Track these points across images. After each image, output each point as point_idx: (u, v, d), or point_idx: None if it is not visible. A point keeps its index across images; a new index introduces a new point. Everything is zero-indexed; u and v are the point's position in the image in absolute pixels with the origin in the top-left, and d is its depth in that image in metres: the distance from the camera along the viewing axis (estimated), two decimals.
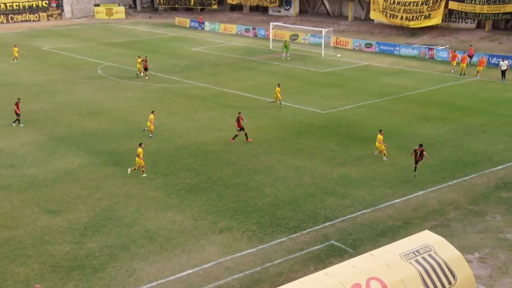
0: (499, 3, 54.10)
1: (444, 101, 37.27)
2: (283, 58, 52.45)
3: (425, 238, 14.96)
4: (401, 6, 60.22)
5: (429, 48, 52.34)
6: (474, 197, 22.94)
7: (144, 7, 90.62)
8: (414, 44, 55.94)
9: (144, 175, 25.35)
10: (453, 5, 57.21)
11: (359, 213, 21.72)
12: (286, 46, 52.99)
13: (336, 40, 58.68)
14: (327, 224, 20.86)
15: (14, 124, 32.75)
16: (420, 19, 59.32)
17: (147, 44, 62.08)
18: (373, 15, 64.16)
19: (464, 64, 44.97)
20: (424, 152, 24.71)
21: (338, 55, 54.01)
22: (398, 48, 54.13)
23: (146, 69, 44.83)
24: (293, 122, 33.29)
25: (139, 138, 30.30)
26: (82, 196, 23.52)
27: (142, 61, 44.95)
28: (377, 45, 55.73)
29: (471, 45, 51.01)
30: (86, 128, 32.52)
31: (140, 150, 25.07)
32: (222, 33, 69.62)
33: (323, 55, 53.77)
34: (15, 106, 32.57)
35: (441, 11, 58.01)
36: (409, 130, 31.37)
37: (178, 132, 31.58)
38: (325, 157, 27.56)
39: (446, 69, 47.09)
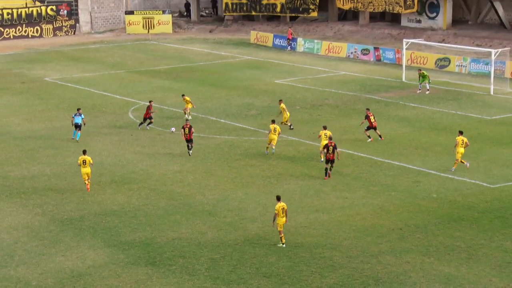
0: None
1: None
2: (419, 92, 53.54)
3: None
4: None
5: None
6: None
7: (202, 16, 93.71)
8: None
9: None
10: None
11: None
12: (424, 77, 53.75)
13: None
14: None
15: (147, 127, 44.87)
16: None
17: (206, 72, 63.89)
18: None
19: None
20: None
21: None
22: None
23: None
24: (440, 201, 32.89)
25: (189, 220, 30.73)
26: None
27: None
28: None
29: None
30: (108, 204, 33.43)
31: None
32: (325, 55, 70.66)
33: (492, 92, 53.33)
34: (148, 109, 44.85)
35: None
36: None
37: (250, 213, 31.85)
38: (496, 261, 26.90)
39: None
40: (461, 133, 37.42)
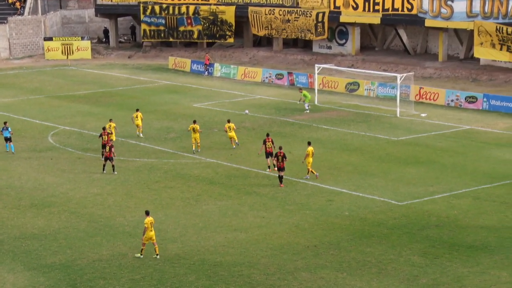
0: None
1: None
2: (299, 103, 56.72)
3: None
4: None
5: None
6: None
7: (121, 42, 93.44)
8: None
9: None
10: None
11: None
12: (306, 96, 56.15)
13: (420, 92, 59.51)
14: None
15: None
16: None
17: (125, 97, 63.59)
18: (479, 52, 65.05)
19: None
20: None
21: (423, 115, 54.65)
22: None
23: None
24: (351, 219, 33.41)
25: (109, 241, 30.59)
26: None
27: None
28: (485, 99, 56.25)
29: None
30: (28, 228, 32.97)
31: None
32: (241, 80, 71.10)
33: (398, 114, 54.40)
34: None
35: None
36: None
37: (170, 234, 31.83)
38: (403, 275, 27.41)
39: None
40: (309, 144, 39.69)
